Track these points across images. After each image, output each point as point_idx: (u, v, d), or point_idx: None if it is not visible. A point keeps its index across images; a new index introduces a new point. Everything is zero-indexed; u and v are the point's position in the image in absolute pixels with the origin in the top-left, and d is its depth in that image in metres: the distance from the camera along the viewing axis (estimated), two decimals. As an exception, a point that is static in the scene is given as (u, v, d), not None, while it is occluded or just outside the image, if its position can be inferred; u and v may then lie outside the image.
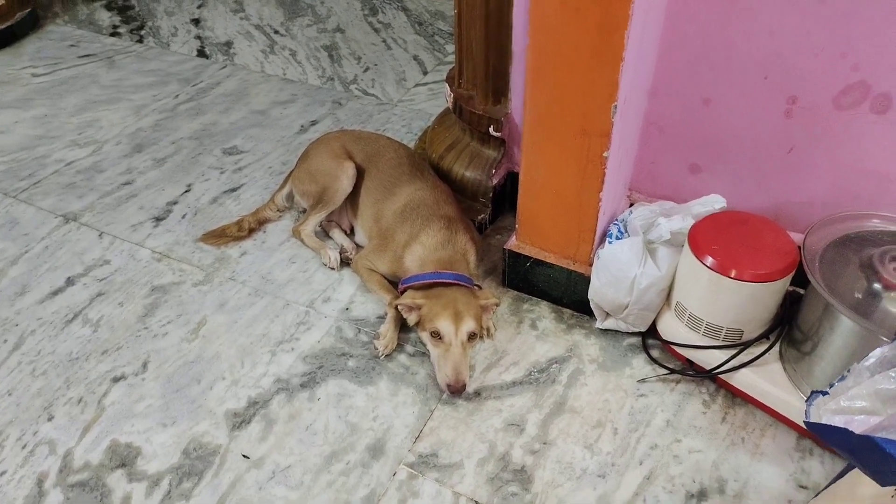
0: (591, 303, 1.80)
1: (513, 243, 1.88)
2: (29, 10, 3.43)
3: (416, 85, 2.98)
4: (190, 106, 2.84)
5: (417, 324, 1.74)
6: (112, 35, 3.40)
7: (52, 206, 2.32)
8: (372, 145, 2.17)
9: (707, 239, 1.56)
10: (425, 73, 3.07)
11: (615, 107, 1.49)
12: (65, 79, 3.04)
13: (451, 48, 3.25)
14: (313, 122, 2.74)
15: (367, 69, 3.09)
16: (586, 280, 1.79)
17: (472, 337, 1.67)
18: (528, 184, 1.74)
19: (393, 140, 2.21)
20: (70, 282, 2.04)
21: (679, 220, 1.67)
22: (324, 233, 2.21)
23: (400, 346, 1.82)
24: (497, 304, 1.76)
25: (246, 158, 2.55)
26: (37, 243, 2.18)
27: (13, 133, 2.69)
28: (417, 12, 3.58)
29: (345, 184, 2.08)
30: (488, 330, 1.81)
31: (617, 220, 1.78)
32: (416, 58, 3.18)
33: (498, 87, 2.04)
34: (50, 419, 1.66)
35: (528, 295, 1.95)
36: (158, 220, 2.27)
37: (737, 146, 1.73)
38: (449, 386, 1.63)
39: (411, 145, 2.58)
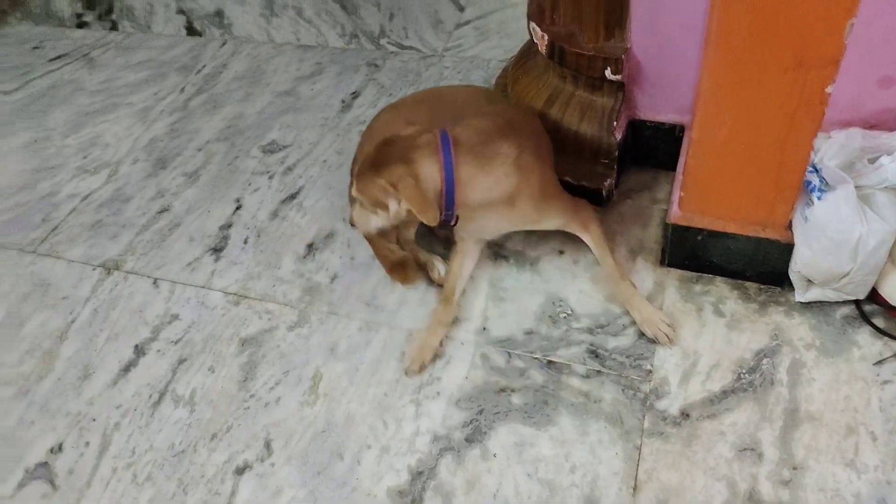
0: (791, 274, 1.49)
1: (677, 215, 1.54)
2: (-29, 12, 2.89)
3: (458, 26, 2.53)
4: (202, 99, 2.40)
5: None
6: (79, 27, 2.88)
7: (84, 256, 1.93)
8: (437, 101, 1.77)
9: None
10: (461, 9, 2.61)
11: (852, 24, 1.11)
12: (42, 91, 2.56)
13: (479, -27, 2.77)
14: (354, 95, 2.32)
15: (391, 16, 2.63)
16: (782, 247, 1.46)
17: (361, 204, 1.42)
18: (703, 141, 1.37)
19: (460, 85, 1.81)
20: (140, 351, 1.69)
21: (911, 158, 1.32)
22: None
23: (567, 367, 1.50)
24: (404, 207, 1.34)
25: (292, 154, 2.14)
26: (82, 307, 1.81)
27: (4, 171, 2.25)
28: (424, -66, 3.05)
29: None
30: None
31: (808, 166, 1.43)
32: (443, -8, 2.71)
33: (612, 19, 1.63)
34: (178, 540, 1.36)
35: (696, 272, 1.62)
36: (217, 251, 1.89)
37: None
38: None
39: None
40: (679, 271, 1.63)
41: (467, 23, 2.54)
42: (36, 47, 2.79)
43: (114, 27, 2.83)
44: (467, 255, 1.64)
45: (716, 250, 1.55)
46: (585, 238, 1.58)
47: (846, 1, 1.09)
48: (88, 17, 2.91)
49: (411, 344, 1.56)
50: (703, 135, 1.36)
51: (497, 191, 1.41)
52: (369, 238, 1.70)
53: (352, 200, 1.78)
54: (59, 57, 2.72)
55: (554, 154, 1.79)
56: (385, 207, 1.36)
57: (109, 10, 2.92)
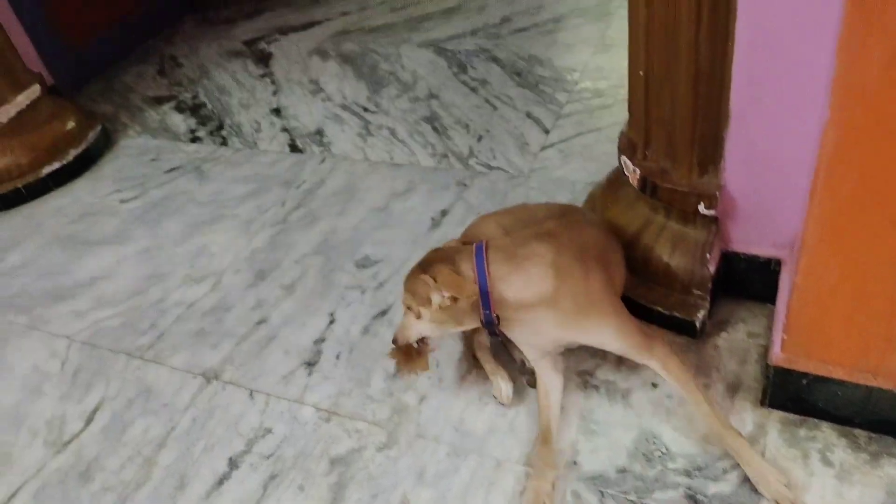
0: (906, 426, 1.41)
1: (779, 357, 1.50)
2: (100, 126, 3.21)
3: (543, 148, 2.64)
4: (301, 214, 2.55)
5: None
6: (192, 141, 3.14)
7: (186, 364, 2.03)
8: (526, 212, 1.82)
9: None
10: (547, 132, 2.72)
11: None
12: (157, 200, 2.78)
13: (563, 97, 2.90)
14: (444, 213, 2.42)
15: (479, 138, 2.76)
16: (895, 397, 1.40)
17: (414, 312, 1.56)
18: (809, 287, 1.36)
19: (549, 203, 1.87)
20: (234, 464, 1.73)
21: None
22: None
23: (664, 510, 1.45)
24: (448, 295, 1.49)
25: (383, 270, 2.22)
26: (182, 415, 1.88)
27: (120, 276, 2.42)
28: (510, 61, 3.24)
29: None
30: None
31: (920, 314, 1.39)
32: (529, 115, 2.84)
33: (706, 156, 1.67)
34: None
35: (800, 416, 1.56)
36: (310, 365, 1.95)
37: None
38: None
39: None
40: (782, 413, 1.58)
41: (552, 145, 2.64)
42: (153, 159, 3.06)
43: (224, 143, 3.08)
44: (550, 386, 1.64)
45: (822, 395, 1.50)
46: (662, 372, 1.55)
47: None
48: (201, 132, 3.19)
49: (525, 497, 1.51)
50: (809, 281, 1.35)
51: (533, 290, 1.48)
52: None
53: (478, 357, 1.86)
54: (173, 169, 2.96)
55: (645, 284, 1.81)
56: (429, 302, 1.50)
57: (220, 127, 3.19)
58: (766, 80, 1.46)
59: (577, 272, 1.52)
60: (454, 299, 1.48)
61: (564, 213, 1.78)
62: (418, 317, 1.54)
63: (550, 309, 1.49)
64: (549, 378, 1.64)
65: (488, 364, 1.79)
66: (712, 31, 1.46)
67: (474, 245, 1.52)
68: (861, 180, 1.18)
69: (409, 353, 1.66)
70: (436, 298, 1.48)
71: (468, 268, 1.49)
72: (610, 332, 1.55)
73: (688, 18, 1.47)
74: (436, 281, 1.47)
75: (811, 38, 1.33)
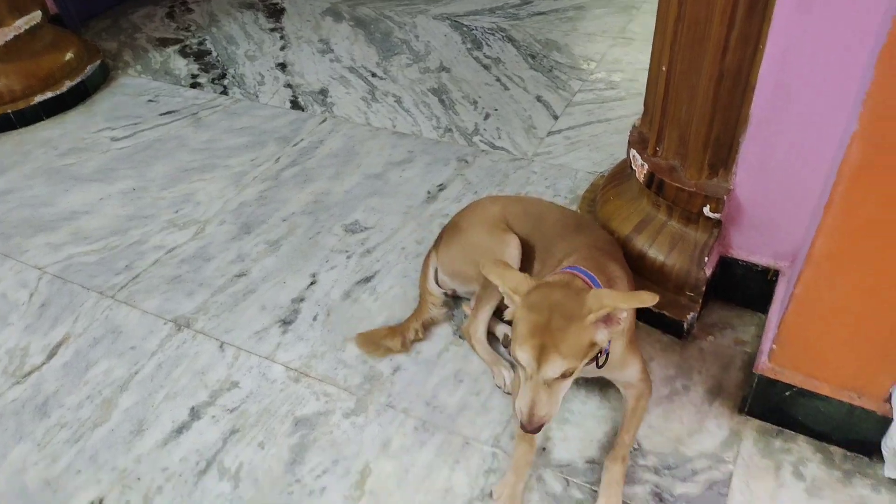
0: (884, 449, 1.38)
1: (765, 366, 1.46)
2: (99, 61, 3.12)
3: (550, 133, 2.58)
4: (295, 171, 2.48)
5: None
6: (193, 86, 3.06)
7: (158, 308, 1.97)
8: (534, 208, 1.78)
9: None
10: (556, 117, 2.66)
11: None
12: (149, 142, 2.71)
13: (576, 85, 2.84)
14: (441, 188, 2.36)
15: (487, 116, 2.70)
16: (877, 419, 1.36)
17: (564, 374, 1.25)
18: (808, 301, 1.31)
19: (557, 205, 1.81)
20: (195, 414, 1.68)
21: None
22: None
23: (629, 508, 1.41)
24: (623, 310, 1.24)
25: (372, 237, 2.17)
26: (148, 360, 1.83)
27: (101, 213, 2.36)
28: (526, 43, 3.18)
29: (510, 262, 1.67)
30: (604, 354, 1.35)
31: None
32: (539, 99, 2.78)
33: (718, 159, 1.62)
34: None
35: (777, 426, 1.52)
36: (286, 323, 1.90)
37: None
38: (522, 424, 1.26)
39: (565, 213, 2.18)
40: (759, 422, 1.54)
41: (559, 131, 2.58)
42: (151, 101, 2.98)
43: (225, 91, 3.00)
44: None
45: (803, 409, 1.46)
46: (637, 403, 1.52)
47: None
48: (202, 79, 3.11)
49: (499, 488, 1.45)
50: (810, 294, 1.30)
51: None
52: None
53: (423, 295, 1.80)
54: (169, 112, 2.88)
55: (637, 280, 1.76)
56: (592, 348, 1.27)
57: (223, 75, 3.11)
58: (794, 88, 1.40)
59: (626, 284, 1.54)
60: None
61: (581, 225, 1.70)
62: (571, 374, 1.28)
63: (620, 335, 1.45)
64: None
65: (488, 355, 1.73)
66: (744, 33, 1.41)
67: (580, 274, 1.38)
68: (882, 199, 1.13)
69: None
70: (604, 336, 1.27)
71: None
72: (634, 373, 1.52)
73: (720, 19, 1.41)
74: (614, 317, 1.26)
75: (848, 49, 1.28)
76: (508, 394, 1.66)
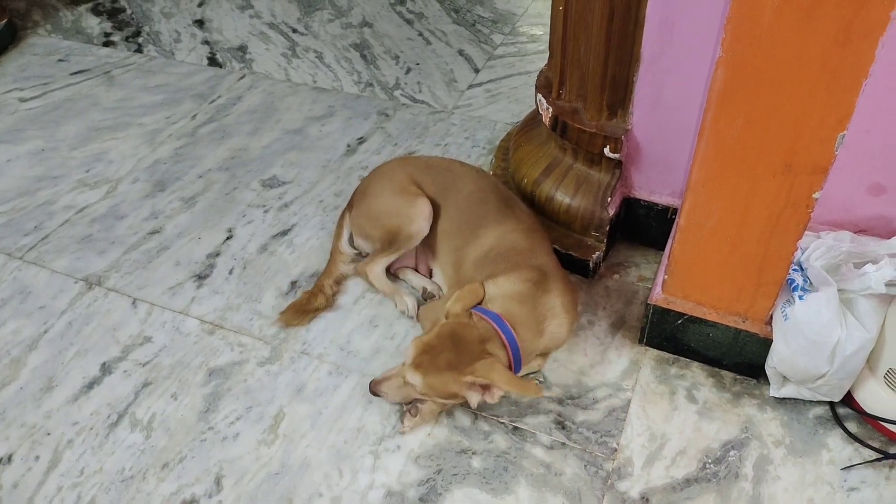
0: (767, 369, 1.47)
1: (659, 297, 1.53)
2: (5, 20, 2.97)
3: (470, 86, 2.59)
4: (212, 128, 2.44)
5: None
6: (105, 45, 2.95)
7: (68, 268, 1.93)
8: (445, 175, 1.78)
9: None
10: (477, 70, 2.67)
11: (842, 136, 1.13)
12: (58, 102, 2.61)
13: (498, 39, 2.86)
14: (360, 140, 2.35)
15: (408, 70, 2.69)
16: (760, 341, 1.45)
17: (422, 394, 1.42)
18: (690, 228, 1.38)
19: (469, 166, 1.82)
20: (106, 369, 1.67)
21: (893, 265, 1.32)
22: (394, 277, 1.84)
23: (532, 436, 1.48)
24: (501, 394, 1.36)
25: (290, 191, 2.16)
26: (57, 319, 1.80)
27: (8, 174, 2.27)
28: (450, -2, 3.16)
29: (421, 225, 1.69)
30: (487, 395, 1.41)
31: (794, 264, 1.44)
32: (461, 53, 2.78)
33: (616, 99, 1.67)
34: (110, 570, 1.31)
35: (673, 355, 1.61)
36: (201, 278, 1.89)
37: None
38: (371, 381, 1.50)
39: (479, 161, 2.22)
40: (657, 351, 1.62)
41: (480, 84, 2.60)
42: (61, 60, 2.86)
43: (139, 50, 2.90)
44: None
45: (694, 336, 1.54)
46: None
47: (837, 114, 1.11)
48: (116, 37, 3.00)
49: (420, 413, 1.50)
50: (690, 223, 1.37)
51: (555, 340, 1.51)
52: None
53: (333, 253, 1.85)
54: (80, 72, 2.78)
55: (544, 223, 1.81)
56: (456, 397, 1.40)
57: (137, 34, 3.01)
58: (677, 24, 1.45)
59: (565, 286, 1.54)
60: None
61: (503, 204, 1.67)
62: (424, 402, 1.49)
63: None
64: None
65: (388, 286, 1.77)
66: (628, -33, 1.44)
67: (500, 331, 1.39)
68: (746, 123, 1.19)
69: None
70: (474, 399, 1.37)
71: (502, 353, 1.39)
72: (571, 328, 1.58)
73: (607, -45, 1.44)
74: (486, 382, 1.34)
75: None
76: (412, 318, 1.71)
